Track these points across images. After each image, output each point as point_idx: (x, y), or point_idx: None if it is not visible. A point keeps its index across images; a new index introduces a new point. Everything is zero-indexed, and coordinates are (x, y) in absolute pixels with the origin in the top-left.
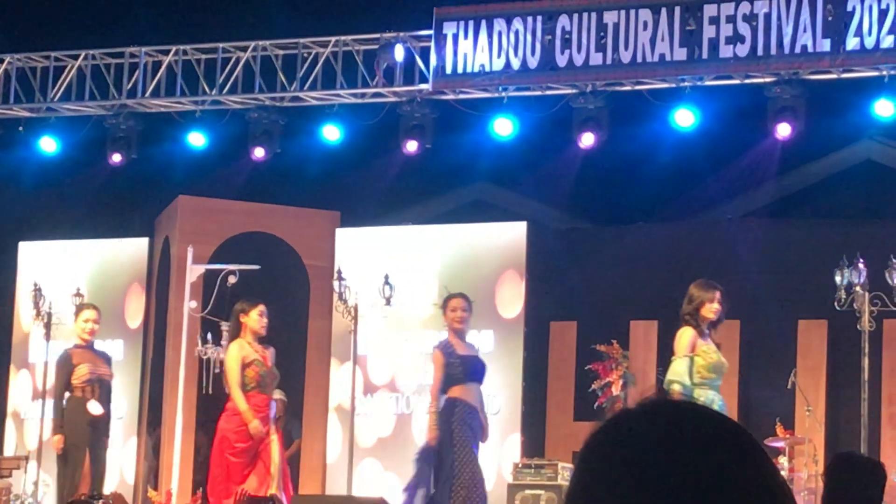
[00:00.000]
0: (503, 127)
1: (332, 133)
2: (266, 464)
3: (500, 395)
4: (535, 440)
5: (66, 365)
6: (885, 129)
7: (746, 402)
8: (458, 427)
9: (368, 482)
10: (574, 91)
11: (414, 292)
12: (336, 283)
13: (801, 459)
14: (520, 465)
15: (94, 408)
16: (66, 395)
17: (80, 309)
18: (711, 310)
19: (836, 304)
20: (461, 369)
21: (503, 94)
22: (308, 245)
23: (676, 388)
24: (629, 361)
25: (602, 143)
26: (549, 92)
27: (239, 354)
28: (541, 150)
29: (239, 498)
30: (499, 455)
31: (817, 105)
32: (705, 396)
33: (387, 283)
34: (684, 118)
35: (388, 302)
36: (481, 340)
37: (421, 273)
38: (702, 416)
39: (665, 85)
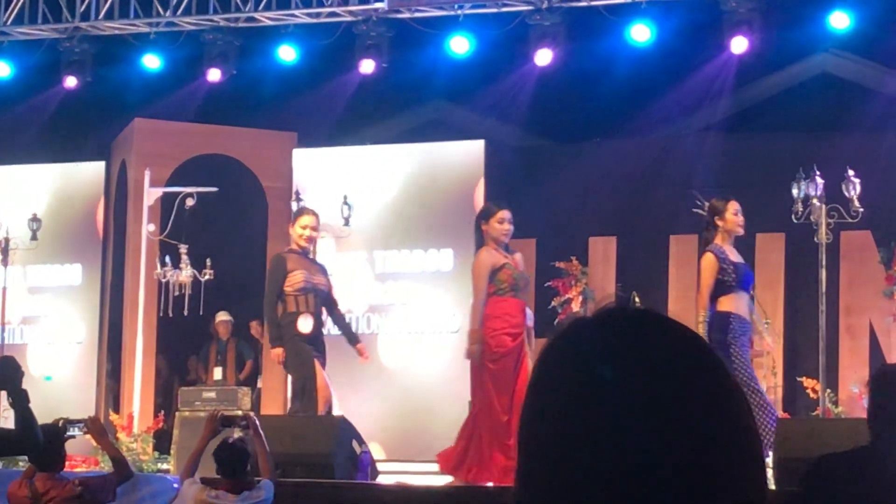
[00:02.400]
0: (459, 45)
1: (287, 53)
2: (522, 377)
3: (461, 313)
4: None
5: (279, 269)
6: (841, 41)
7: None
8: (734, 345)
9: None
10: (530, 8)
11: (372, 212)
12: (294, 204)
13: (760, 372)
14: None
15: (304, 325)
16: (279, 306)
17: (298, 213)
18: None
19: (793, 216)
20: (734, 276)
21: (459, 11)
22: (265, 166)
23: None
24: (588, 278)
25: (559, 60)
26: (504, 9)
27: (488, 260)
28: (497, 68)
29: (213, 415)
30: (461, 373)
31: (773, 18)
32: None
33: (345, 203)
34: (641, 33)
35: (346, 222)
36: (440, 259)
37: (379, 192)
38: (658, 323)
39: (621, 0)
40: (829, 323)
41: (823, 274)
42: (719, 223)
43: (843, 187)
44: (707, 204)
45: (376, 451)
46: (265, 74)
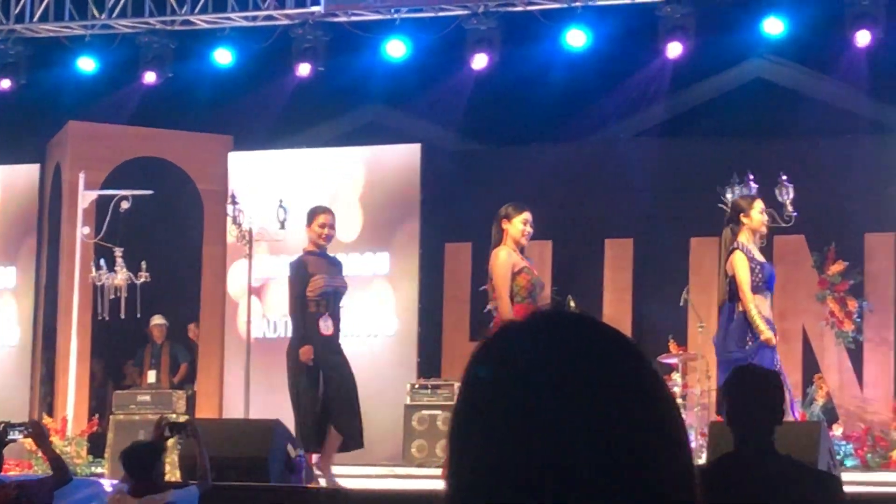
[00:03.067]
0: (396, 49)
1: (223, 56)
2: None
3: (397, 317)
4: (431, 361)
5: (300, 273)
6: (775, 46)
7: (640, 320)
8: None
9: (265, 405)
10: (466, 12)
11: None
12: (230, 208)
13: (694, 375)
14: (416, 386)
15: (325, 327)
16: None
17: (315, 212)
18: None
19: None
20: (761, 276)
21: (396, 15)
22: (201, 169)
23: None
24: None
25: (495, 65)
26: (441, 13)
27: (508, 261)
28: (434, 72)
29: (159, 422)
30: (396, 376)
31: (707, 24)
32: None
33: (280, 206)
34: (576, 38)
35: (282, 226)
36: (377, 262)
37: (315, 196)
38: (591, 327)
39: (557, 5)
40: None
41: None
42: (745, 221)
43: (777, 192)
44: (732, 201)
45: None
46: (201, 77)
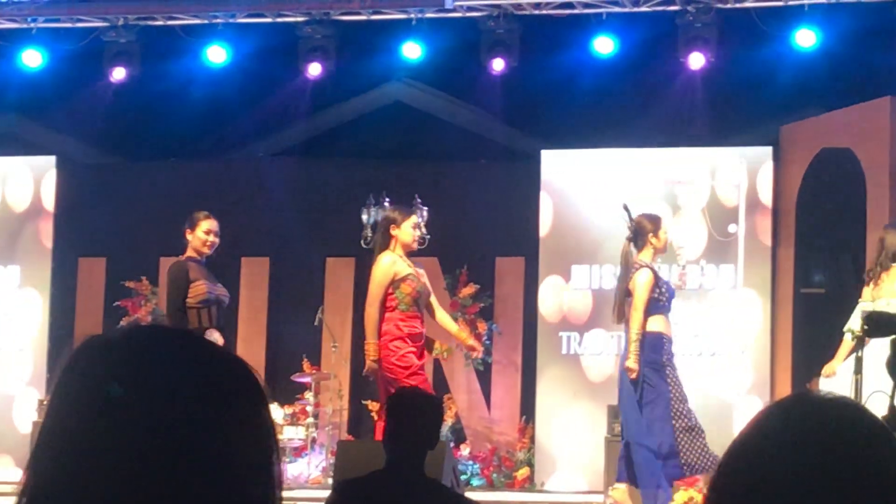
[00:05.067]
0: (32, 58)
1: None
2: None
3: (25, 332)
4: None
5: (182, 277)
6: (413, 70)
7: (275, 339)
8: (669, 366)
9: None
10: (105, 24)
11: None
12: None
13: (327, 394)
14: (45, 402)
15: (216, 339)
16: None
17: (198, 218)
18: None
19: (362, 241)
20: (666, 297)
21: (32, 25)
22: None
23: None
24: (158, 298)
25: (134, 78)
26: (79, 24)
27: (391, 269)
28: (72, 83)
29: None
30: (27, 392)
31: (349, 45)
32: None
33: None
34: (217, 55)
35: None
36: (7, 276)
37: None
38: (181, 338)
39: (197, 21)
40: None
41: None
42: (654, 241)
43: None
44: (636, 220)
45: None
46: None
